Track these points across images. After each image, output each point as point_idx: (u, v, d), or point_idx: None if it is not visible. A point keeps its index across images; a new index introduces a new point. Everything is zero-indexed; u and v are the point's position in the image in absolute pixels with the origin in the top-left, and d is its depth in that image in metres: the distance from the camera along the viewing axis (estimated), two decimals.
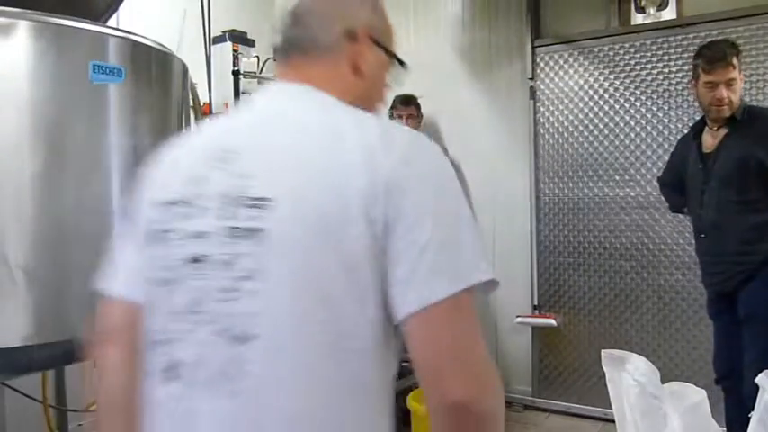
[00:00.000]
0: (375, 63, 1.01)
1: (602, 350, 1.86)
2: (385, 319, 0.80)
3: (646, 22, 3.42)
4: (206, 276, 0.82)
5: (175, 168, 0.93)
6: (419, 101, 3.84)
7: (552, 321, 3.52)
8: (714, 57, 2.49)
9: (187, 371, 0.82)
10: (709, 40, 3.19)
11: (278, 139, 0.87)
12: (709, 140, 2.62)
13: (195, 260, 0.84)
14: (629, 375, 1.83)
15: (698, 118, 3.24)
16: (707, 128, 2.65)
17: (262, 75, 3.69)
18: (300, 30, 1.03)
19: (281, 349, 0.78)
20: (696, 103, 3.23)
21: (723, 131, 2.56)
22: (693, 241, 2.81)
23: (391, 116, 3.86)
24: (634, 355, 2.00)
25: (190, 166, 0.90)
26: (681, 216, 3.26)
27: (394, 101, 3.85)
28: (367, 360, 0.80)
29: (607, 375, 1.86)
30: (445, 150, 3.74)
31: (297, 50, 1.03)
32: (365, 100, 0.99)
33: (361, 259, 0.78)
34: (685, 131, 3.27)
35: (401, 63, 1.08)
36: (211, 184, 0.85)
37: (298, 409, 0.78)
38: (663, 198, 3.09)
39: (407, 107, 3.81)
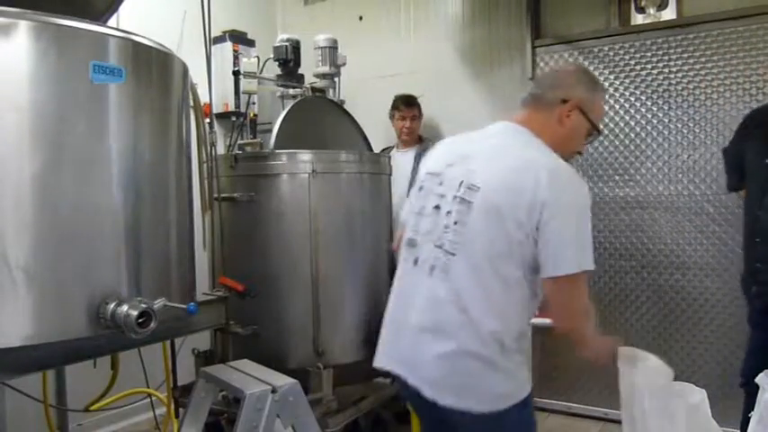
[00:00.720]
0: (576, 123, 1.70)
1: (619, 347, 1.85)
2: (527, 272, 1.56)
3: (646, 22, 3.42)
4: (438, 217, 1.62)
5: (438, 155, 1.78)
6: (419, 101, 3.85)
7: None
8: None
9: (421, 263, 1.64)
10: (709, 40, 3.20)
11: (494, 156, 1.64)
12: None
13: (436, 207, 1.64)
14: (640, 374, 1.82)
15: (698, 118, 3.26)
16: None
17: (262, 75, 3.70)
18: (537, 90, 1.79)
19: (467, 264, 1.56)
20: (696, 103, 3.25)
21: None
22: (743, 245, 2.62)
23: (392, 116, 3.86)
24: (649, 354, 1.98)
25: (446, 155, 1.73)
26: (680, 216, 3.27)
27: (396, 101, 3.85)
28: (514, 284, 1.57)
29: (620, 372, 1.85)
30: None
31: (531, 102, 1.77)
32: (562, 146, 1.68)
33: (513, 238, 1.52)
34: (685, 131, 3.28)
35: (598, 132, 1.77)
36: (454, 169, 1.65)
37: (473, 291, 1.55)
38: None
39: (410, 108, 3.81)
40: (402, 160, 3.71)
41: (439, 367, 1.57)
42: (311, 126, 3.36)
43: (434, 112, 4.02)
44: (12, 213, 1.40)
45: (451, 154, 1.72)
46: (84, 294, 1.50)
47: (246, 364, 2.19)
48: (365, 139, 3.63)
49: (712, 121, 3.23)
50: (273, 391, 1.90)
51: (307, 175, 2.83)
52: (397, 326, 1.70)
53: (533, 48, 3.68)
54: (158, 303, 1.59)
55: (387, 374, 1.97)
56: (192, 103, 2.04)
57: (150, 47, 1.71)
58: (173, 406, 2.80)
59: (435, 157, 1.78)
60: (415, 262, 1.66)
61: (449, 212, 1.60)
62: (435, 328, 1.59)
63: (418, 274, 1.64)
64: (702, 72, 3.24)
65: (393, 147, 3.95)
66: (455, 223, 1.58)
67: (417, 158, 3.75)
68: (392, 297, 1.77)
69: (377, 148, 3.78)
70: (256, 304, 2.73)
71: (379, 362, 1.74)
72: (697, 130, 3.27)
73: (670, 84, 3.32)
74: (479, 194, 1.56)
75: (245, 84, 3.77)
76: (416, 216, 1.70)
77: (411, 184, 3.69)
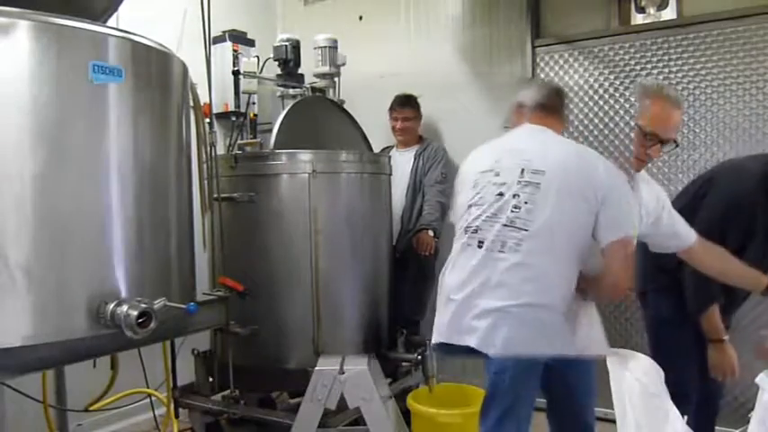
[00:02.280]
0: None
1: (608, 349, 1.88)
2: (585, 242, 1.92)
3: (646, 22, 3.42)
4: (503, 202, 1.90)
5: (482, 156, 2.08)
6: (419, 100, 3.84)
7: None
8: None
9: (489, 243, 1.90)
10: (709, 39, 3.20)
11: (544, 147, 1.98)
12: None
13: (500, 194, 1.92)
14: (631, 374, 1.83)
15: (698, 118, 3.26)
16: None
17: (262, 75, 3.70)
18: (545, 100, 2.14)
19: (538, 239, 1.85)
20: (696, 103, 3.25)
21: None
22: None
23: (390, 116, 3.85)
24: (639, 354, 2.00)
25: (489, 155, 2.04)
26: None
27: (392, 102, 3.84)
28: (575, 254, 1.91)
29: (610, 374, 1.86)
30: (443, 150, 3.69)
31: (540, 109, 2.12)
32: None
33: (582, 212, 1.88)
34: (685, 131, 3.28)
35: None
36: (506, 161, 1.95)
37: (543, 265, 1.86)
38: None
39: (403, 109, 3.77)
40: (401, 160, 3.70)
41: (516, 315, 1.85)
42: (311, 126, 3.36)
43: (434, 112, 4.02)
44: (12, 213, 1.40)
45: (494, 153, 2.05)
46: (84, 294, 1.50)
47: None
48: (365, 139, 3.63)
49: (712, 121, 3.23)
50: (341, 373, 2.25)
51: (307, 175, 2.83)
52: (468, 297, 1.92)
53: (533, 48, 3.68)
54: (158, 303, 1.59)
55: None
56: (191, 103, 2.04)
57: (150, 47, 1.71)
58: (173, 406, 2.80)
59: (478, 160, 2.09)
60: (480, 244, 1.92)
61: (515, 195, 1.89)
62: (504, 295, 1.87)
63: (486, 253, 1.91)
64: (702, 72, 3.24)
65: (393, 146, 3.94)
66: (526, 203, 1.87)
67: (417, 158, 3.75)
68: (457, 276, 1.97)
69: (377, 148, 3.77)
70: (256, 304, 2.73)
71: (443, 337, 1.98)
72: (697, 130, 3.27)
73: (670, 84, 3.32)
74: (546, 177, 1.88)
75: (245, 84, 3.77)
76: (476, 207, 1.97)
77: (412, 185, 3.71)
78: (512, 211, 1.87)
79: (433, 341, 2.03)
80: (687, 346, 2.46)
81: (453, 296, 1.96)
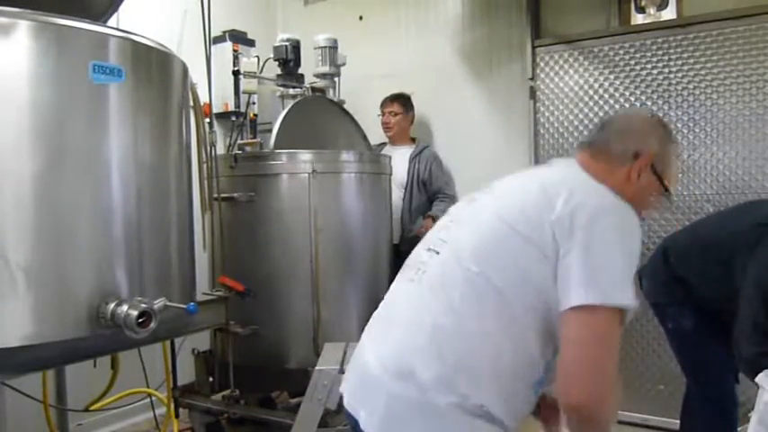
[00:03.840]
0: (646, 181, 1.36)
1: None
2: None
3: (646, 22, 3.42)
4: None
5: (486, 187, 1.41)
6: (412, 98, 3.85)
7: None
8: None
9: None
10: (709, 39, 3.20)
11: (518, 187, 1.34)
12: None
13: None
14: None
15: (698, 118, 3.26)
16: None
17: (262, 75, 3.70)
18: (603, 137, 1.40)
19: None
20: (696, 103, 3.24)
21: None
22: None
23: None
24: None
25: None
26: (680, 215, 3.27)
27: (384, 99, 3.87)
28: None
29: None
30: (436, 157, 3.65)
31: (593, 148, 1.39)
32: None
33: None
34: (685, 131, 3.28)
35: (668, 193, 1.42)
36: (480, 196, 1.36)
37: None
38: None
39: (391, 104, 3.84)
40: (395, 155, 3.70)
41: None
42: (311, 126, 3.36)
43: (434, 112, 4.02)
44: (12, 213, 1.40)
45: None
46: (84, 294, 1.50)
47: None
48: (365, 139, 3.63)
49: (712, 122, 3.23)
50: (341, 372, 2.09)
51: (307, 175, 2.83)
52: None
53: (533, 48, 3.67)
54: (158, 303, 1.59)
55: None
56: (192, 103, 2.04)
57: (150, 47, 1.71)
58: (173, 406, 2.80)
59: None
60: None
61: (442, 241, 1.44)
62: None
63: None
64: (702, 72, 3.24)
65: (386, 143, 3.96)
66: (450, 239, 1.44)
67: (411, 161, 3.77)
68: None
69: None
70: (256, 304, 2.73)
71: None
72: (697, 130, 3.27)
73: (670, 84, 3.31)
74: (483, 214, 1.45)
75: (245, 84, 3.76)
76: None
77: (410, 186, 3.73)
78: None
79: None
80: (720, 358, 2.27)
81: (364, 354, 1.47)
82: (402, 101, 3.84)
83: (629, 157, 1.35)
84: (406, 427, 1.18)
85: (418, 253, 1.36)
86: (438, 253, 1.29)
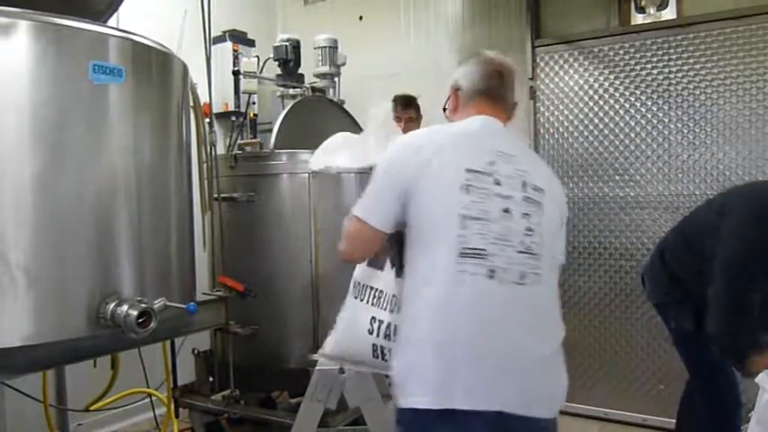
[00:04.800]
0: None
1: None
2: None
3: (646, 22, 3.42)
4: (512, 220, 1.48)
5: (458, 146, 1.55)
6: (419, 101, 3.83)
7: None
8: None
9: (502, 273, 1.44)
10: (709, 39, 3.20)
11: (530, 157, 1.67)
12: None
13: (505, 210, 1.48)
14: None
15: (698, 118, 3.26)
16: None
17: (262, 75, 3.70)
18: (499, 90, 1.71)
19: (546, 266, 1.52)
20: (696, 103, 3.24)
21: None
22: None
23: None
24: None
25: (478, 151, 1.53)
26: (680, 215, 3.26)
27: (395, 102, 3.80)
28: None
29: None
30: None
31: (492, 98, 1.70)
32: None
33: (560, 239, 1.65)
34: (685, 131, 3.28)
35: None
36: (502, 168, 1.51)
37: (553, 291, 1.58)
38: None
39: (407, 110, 3.72)
40: None
41: (554, 379, 1.52)
42: (311, 126, 3.36)
43: (434, 113, 4.01)
44: (12, 213, 1.40)
45: (480, 150, 1.53)
46: (84, 294, 1.50)
47: None
48: None
49: (712, 122, 3.23)
50: (341, 372, 2.10)
51: (307, 175, 2.83)
52: (484, 352, 1.42)
53: (533, 48, 3.68)
54: (158, 303, 1.59)
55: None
56: (192, 103, 2.04)
57: (150, 47, 1.71)
58: (173, 406, 2.80)
59: (463, 153, 1.52)
60: (492, 274, 1.42)
61: (526, 214, 1.49)
62: (545, 338, 1.50)
63: (503, 287, 1.43)
64: (702, 72, 3.24)
65: None
66: (537, 224, 1.50)
67: None
68: (460, 315, 1.43)
69: None
70: (256, 304, 2.73)
71: (464, 402, 1.38)
72: (697, 130, 3.27)
73: (670, 84, 3.32)
74: (546, 196, 1.56)
75: (245, 84, 3.77)
76: (477, 222, 1.44)
77: None
78: (525, 234, 1.47)
79: (446, 407, 1.38)
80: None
81: (481, 347, 1.42)
82: (416, 105, 3.72)
83: (513, 105, 1.78)
84: None
85: None
86: None
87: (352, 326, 1.88)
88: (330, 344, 2.00)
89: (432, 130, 1.64)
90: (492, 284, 1.42)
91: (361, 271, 1.92)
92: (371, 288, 1.85)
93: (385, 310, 1.78)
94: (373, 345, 1.80)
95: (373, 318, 1.80)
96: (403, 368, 1.46)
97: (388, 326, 1.75)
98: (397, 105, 3.75)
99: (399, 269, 1.66)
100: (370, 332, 1.80)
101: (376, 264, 1.82)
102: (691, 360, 2.48)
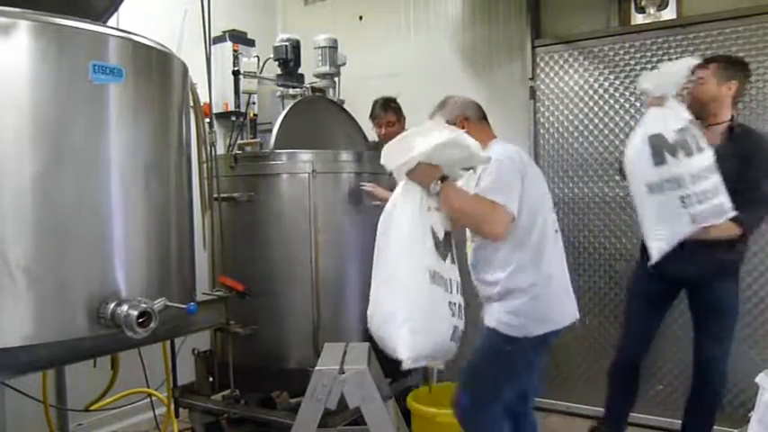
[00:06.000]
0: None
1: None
2: None
3: (646, 22, 3.42)
4: (553, 212, 2.31)
5: (534, 170, 2.25)
6: (409, 98, 3.74)
7: None
8: None
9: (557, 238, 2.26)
10: (709, 40, 3.20)
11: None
12: None
13: (556, 231, 2.27)
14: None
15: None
16: None
17: (262, 75, 3.70)
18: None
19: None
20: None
21: None
22: None
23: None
24: None
25: (538, 175, 2.29)
26: None
27: (373, 107, 3.65)
28: None
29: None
30: None
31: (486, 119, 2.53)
32: None
33: None
34: None
35: None
36: (547, 195, 2.30)
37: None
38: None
39: (386, 113, 3.62)
40: None
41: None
42: (311, 126, 3.36)
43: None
44: (12, 213, 1.40)
45: (538, 174, 2.27)
46: (84, 294, 1.50)
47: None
48: (365, 138, 3.62)
49: None
50: (341, 373, 2.14)
51: (307, 175, 2.83)
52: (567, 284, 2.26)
53: (533, 48, 3.68)
54: (158, 303, 1.59)
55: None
56: (192, 103, 2.04)
57: (150, 47, 1.71)
58: (173, 406, 2.81)
59: (536, 174, 2.24)
60: (556, 239, 2.25)
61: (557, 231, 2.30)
62: None
63: (557, 245, 2.25)
64: None
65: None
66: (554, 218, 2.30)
67: None
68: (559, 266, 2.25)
69: None
70: (256, 304, 2.73)
71: (571, 316, 2.21)
72: None
73: None
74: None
75: (245, 83, 3.77)
76: (545, 215, 2.21)
77: None
78: (555, 221, 2.30)
79: (562, 326, 2.16)
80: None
81: (568, 286, 2.25)
82: (394, 108, 3.63)
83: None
84: None
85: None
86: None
87: (431, 314, 1.96)
88: (408, 343, 1.92)
89: (512, 149, 2.23)
90: (559, 246, 2.25)
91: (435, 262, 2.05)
92: (443, 278, 2.02)
93: (458, 293, 2.08)
94: (454, 327, 2.02)
95: (451, 302, 2.03)
96: (530, 306, 2.09)
97: (460, 306, 2.07)
98: (375, 110, 3.63)
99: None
100: (453, 315, 2.02)
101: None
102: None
